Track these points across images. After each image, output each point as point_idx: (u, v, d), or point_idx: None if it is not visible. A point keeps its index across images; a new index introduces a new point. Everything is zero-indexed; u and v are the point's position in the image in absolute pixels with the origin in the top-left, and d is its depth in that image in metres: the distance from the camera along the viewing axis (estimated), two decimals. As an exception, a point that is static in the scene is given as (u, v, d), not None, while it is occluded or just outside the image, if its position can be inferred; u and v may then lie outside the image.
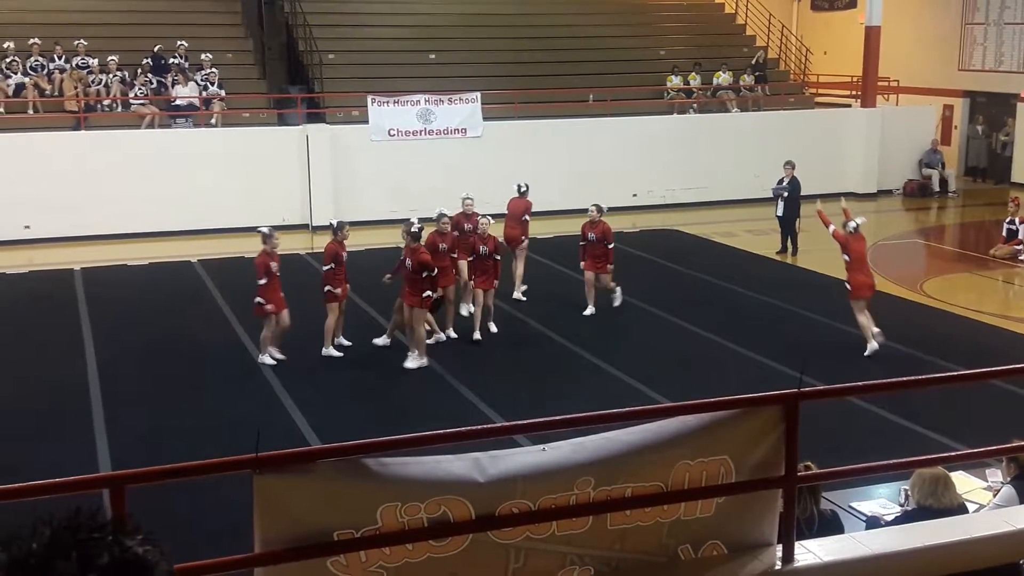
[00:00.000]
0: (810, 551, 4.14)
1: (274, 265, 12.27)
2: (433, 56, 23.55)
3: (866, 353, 12.58)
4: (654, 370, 12.23)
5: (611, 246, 14.35)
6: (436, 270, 12.33)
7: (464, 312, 13.93)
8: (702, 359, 12.76)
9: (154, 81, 21.04)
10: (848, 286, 12.75)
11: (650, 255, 18.31)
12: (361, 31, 23.94)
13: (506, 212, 15.69)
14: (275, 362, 12.39)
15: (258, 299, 12.25)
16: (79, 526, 1.48)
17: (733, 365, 12.43)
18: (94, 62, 20.85)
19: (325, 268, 12.62)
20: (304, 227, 20.35)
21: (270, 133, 21.01)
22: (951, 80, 27.01)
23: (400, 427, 9.26)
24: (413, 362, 12.34)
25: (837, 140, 24.30)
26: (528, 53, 24.26)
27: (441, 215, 13.46)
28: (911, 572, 4.28)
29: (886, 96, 25.83)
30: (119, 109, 20.76)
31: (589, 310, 14.46)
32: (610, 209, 15.03)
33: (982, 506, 6.76)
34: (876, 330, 12.63)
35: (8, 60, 20.44)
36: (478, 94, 21.49)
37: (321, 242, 15.27)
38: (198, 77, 21.32)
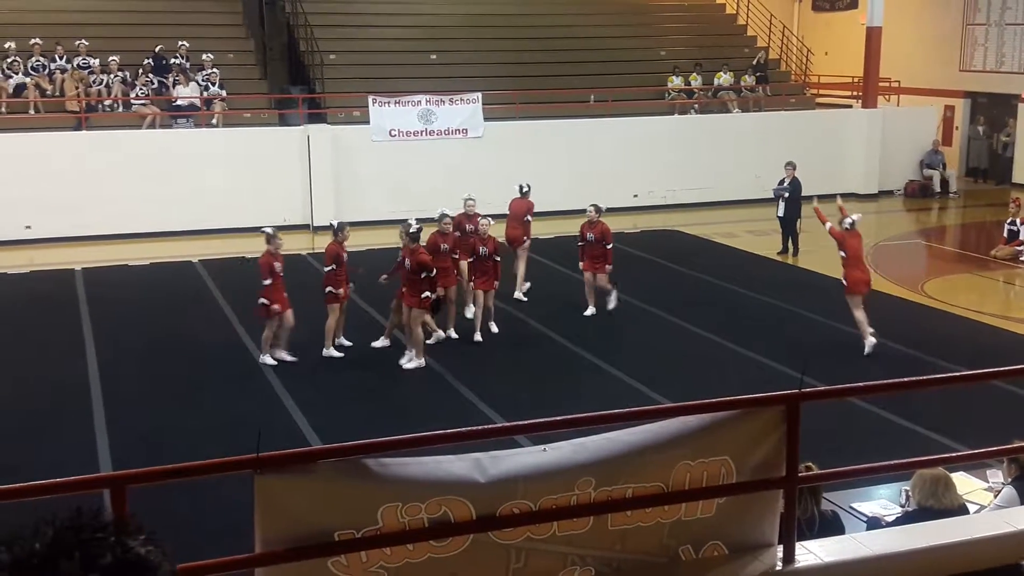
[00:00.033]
0: (811, 552, 4.15)
1: (278, 265, 12.30)
2: (434, 56, 23.55)
3: (865, 351, 12.59)
4: (655, 370, 12.23)
5: (610, 246, 14.33)
6: (435, 271, 12.33)
7: (468, 315, 13.93)
8: (703, 360, 12.75)
9: (155, 81, 21.05)
10: (844, 282, 12.86)
11: (651, 256, 18.31)
12: (362, 31, 23.96)
13: (507, 212, 15.70)
14: (276, 363, 12.39)
15: (263, 300, 12.26)
16: (82, 526, 1.47)
17: (734, 366, 12.43)
18: (95, 62, 20.86)
19: (327, 269, 12.64)
20: (305, 227, 20.35)
21: (271, 133, 21.02)
22: (952, 81, 27.00)
23: (401, 427, 9.26)
24: (411, 363, 12.34)
25: (838, 141, 24.29)
26: (529, 54, 24.27)
27: (443, 215, 13.46)
28: (912, 573, 4.29)
29: (887, 97, 25.82)
30: (120, 109, 20.76)
31: (590, 310, 14.46)
32: (611, 209, 15.03)
33: (983, 507, 6.76)
34: (870, 330, 12.68)
35: (9, 60, 20.45)
36: (479, 94, 21.49)
37: (322, 242, 15.28)
38: (199, 77, 21.33)
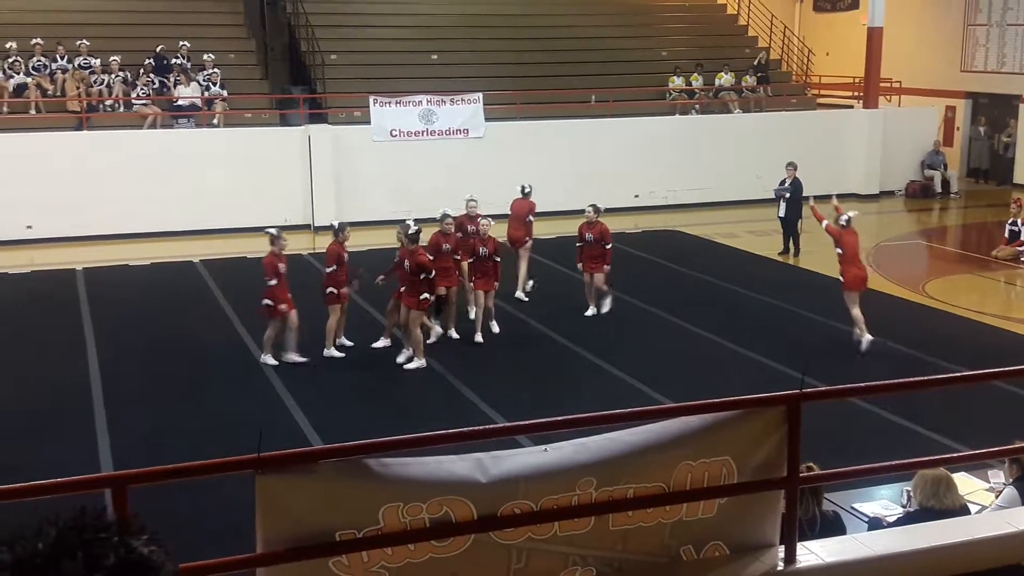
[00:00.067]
0: (812, 552, 4.15)
1: (282, 266, 12.31)
2: (435, 57, 23.56)
3: (862, 348, 12.61)
4: (656, 371, 12.22)
5: (609, 247, 14.33)
6: (434, 272, 12.33)
7: (471, 316, 13.91)
8: (704, 360, 12.75)
9: (156, 81, 21.06)
10: (841, 279, 12.92)
11: (652, 256, 18.31)
12: (363, 32, 23.96)
13: (509, 213, 15.70)
14: (277, 363, 12.39)
15: (267, 300, 12.27)
16: (85, 526, 1.47)
17: (735, 366, 12.43)
18: (96, 62, 20.87)
19: (328, 269, 12.64)
20: (306, 227, 20.35)
21: (272, 134, 21.02)
22: (953, 81, 26.99)
23: (402, 427, 9.26)
24: (412, 363, 12.34)
25: (839, 141, 24.29)
26: (530, 54, 24.27)
27: (445, 215, 13.46)
28: (913, 573, 4.28)
29: (888, 97, 25.82)
30: (121, 109, 20.77)
31: (591, 311, 14.45)
32: (612, 210, 15.05)
33: (984, 507, 6.75)
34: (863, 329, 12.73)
35: (10, 60, 20.46)
36: (480, 95, 21.50)
37: (323, 242, 15.28)
38: (200, 77, 21.34)
